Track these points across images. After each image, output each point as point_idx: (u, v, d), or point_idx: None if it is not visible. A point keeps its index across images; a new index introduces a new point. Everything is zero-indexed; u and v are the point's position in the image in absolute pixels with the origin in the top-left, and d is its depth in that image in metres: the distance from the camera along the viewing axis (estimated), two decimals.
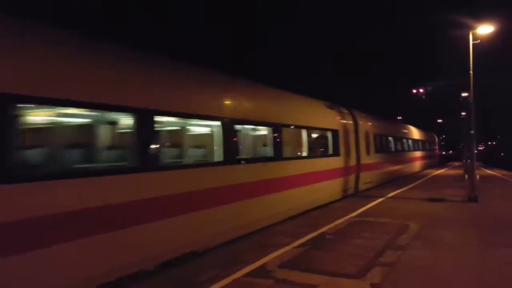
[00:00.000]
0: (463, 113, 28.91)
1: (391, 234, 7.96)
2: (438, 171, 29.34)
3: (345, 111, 14.79)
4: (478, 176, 13.64)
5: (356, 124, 15.17)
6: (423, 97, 66.09)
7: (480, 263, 6.09)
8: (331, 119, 13.16)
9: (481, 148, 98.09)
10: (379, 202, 12.64)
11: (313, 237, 7.87)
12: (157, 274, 5.74)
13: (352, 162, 14.37)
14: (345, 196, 13.63)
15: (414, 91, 64.08)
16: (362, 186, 15.42)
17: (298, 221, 9.66)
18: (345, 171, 13.65)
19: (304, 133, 11.16)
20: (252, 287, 5.25)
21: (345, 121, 14.14)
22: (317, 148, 12.56)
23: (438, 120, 66.51)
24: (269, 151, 9.52)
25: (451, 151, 72.06)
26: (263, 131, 9.92)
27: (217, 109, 7.54)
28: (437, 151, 43.10)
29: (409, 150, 25.78)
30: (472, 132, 13.85)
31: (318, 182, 11.34)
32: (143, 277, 5.56)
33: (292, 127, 10.65)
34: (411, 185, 18.01)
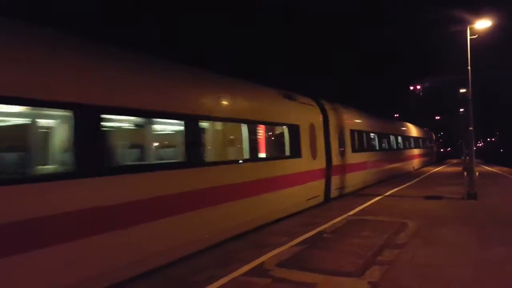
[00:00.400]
0: (461, 110, 28.87)
1: (389, 232, 7.92)
2: (436, 169, 29.32)
3: (312, 103, 12.36)
4: (477, 173, 13.61)
5: (326, 119, 12.87)
6: (420, 94, 66.01)
7: (479, 261, 6.05)
8: (289, 112, 10.75)
9: (480, 144, 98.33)
10: (377, 201, 12.60)
11: (311, 236, 7.83)
12: (154, 274, 5.69)
13: (320, 164, 12.06)
14: (310, 207, 11.27)
15: (411, 88, 63.96)
16: (335, 192, 13.15)
17: (295, 220, 9.61)
18: (308, 176, 11.24)
19: (244, 129, 8.75)
20: (250, 286, 5.20)
21: (310, 115, 11.92)
22: (266, 149, 10.05)
23: (436, 117, 66.59)
24: (180, 153, 7.08)
25: (449, 148, 72.29)
26: (170, 125, 7.54)
27: (65, 91, 4.87)
28: (435, 148, 43.03)
29: (400, 148, 24.53)
30: (471, 128, 13.80)
31: (264, 193, 8.92)
32: (141, 277, 5.50)
33: (220, 120, 8.14)
34: (409, 183, 17.97)
